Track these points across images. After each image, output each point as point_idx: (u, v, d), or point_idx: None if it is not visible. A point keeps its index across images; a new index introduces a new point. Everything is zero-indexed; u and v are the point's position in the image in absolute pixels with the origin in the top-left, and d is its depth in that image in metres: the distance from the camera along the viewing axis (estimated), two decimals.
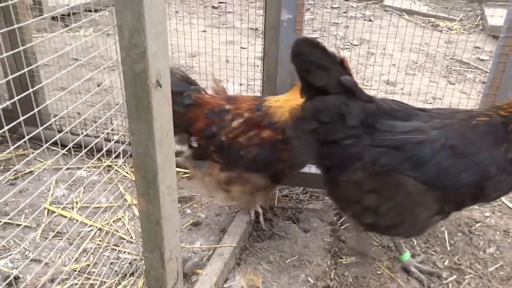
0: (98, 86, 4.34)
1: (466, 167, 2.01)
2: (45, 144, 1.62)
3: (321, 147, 2.10)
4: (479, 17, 6.81)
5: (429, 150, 2.00)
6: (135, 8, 1.34)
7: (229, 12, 6.61)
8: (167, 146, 1.61)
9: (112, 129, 3.11)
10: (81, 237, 2.57)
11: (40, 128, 1.53)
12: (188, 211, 2.90)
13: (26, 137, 1.46)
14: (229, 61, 3.28)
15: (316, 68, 1.99)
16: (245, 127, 2.42)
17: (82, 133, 3.32)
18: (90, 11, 5.07)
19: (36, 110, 1.42)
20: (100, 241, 2.54)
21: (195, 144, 2.53)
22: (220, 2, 7.03)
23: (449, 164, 2.00)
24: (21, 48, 1.69)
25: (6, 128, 1.36)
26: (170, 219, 1.76)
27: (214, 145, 2.46)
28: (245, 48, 3.19)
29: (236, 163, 2.45)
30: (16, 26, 1.80)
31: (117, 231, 2.62)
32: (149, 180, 1.62)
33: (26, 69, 1.52)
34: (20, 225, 2.64)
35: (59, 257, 2.41)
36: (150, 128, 1.52)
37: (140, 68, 1.42)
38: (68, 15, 4.54)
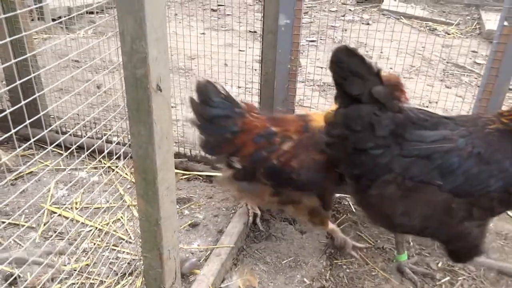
0: (98, 87, 4.37)
1: (493, 174, 2.02)
2: (50, 146, 1.65)
3: (351, 155, 2.11)
4: (476, 22, 6.87)
5: (456, 158, 2.02)
6: (136, 15, 1.37)
7: (227, 14, 6.65)
8: (166, 148, 1.65)
9: (111, 131, 3.15)
10: (81, 237, 2.60)
11: (46, 131, 1.57)
12: (186, 212, 2.94)
13: (32, 140, 1.50)
14: (228, 64, 3.31)
15: (353, 76, 2.00)
16: (296, 150, 2.40)
17: (82, 135, 3.36)
18: (91, 13, 5.11)
19: (42, 113, 1.46)
20: (99, 241, 2.57)
21: (237, 165, 2.47)
22: (219, 5, 7.07)
23: (477, 172, 2.02)
24: (28, 55, 1.72)
25: (13, 131, 1.40)
26: (168, 219, 1.79)
27: (264, 168, 2.43)
28: (243, 51, 3.22)
29: (286, 185, 2.44)
30: (23, 34, 1.83)
31: (116, 232, 2.66)
32: (149, 181, 1.66)
33: (32, 75, 1.56)
34: (19, 224, 2.67)
35: (59, 257, 2.44)
36: (150, 131, 1.55)
37: (141, 73, 1.46)
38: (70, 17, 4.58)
